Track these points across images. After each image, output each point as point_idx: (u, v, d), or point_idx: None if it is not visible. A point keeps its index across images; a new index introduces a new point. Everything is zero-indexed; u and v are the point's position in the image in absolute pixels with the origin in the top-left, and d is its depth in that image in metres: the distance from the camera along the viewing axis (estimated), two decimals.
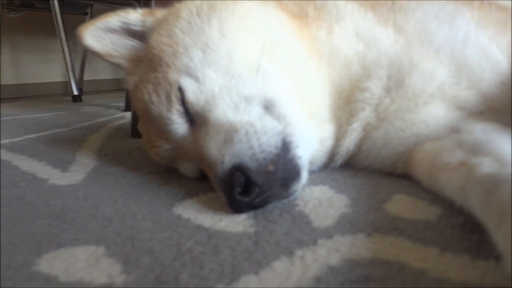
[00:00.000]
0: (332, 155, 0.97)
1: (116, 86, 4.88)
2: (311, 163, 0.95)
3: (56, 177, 1.04)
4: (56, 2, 3.39)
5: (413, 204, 0.75)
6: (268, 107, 0.83)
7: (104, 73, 5.03)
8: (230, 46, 0.87)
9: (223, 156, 0.75)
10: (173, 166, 0.96)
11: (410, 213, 0.70)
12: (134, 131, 1.56)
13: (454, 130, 0.85)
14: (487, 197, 0.55)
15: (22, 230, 0.71)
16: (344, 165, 0.99)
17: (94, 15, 4.26)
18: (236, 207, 0.73)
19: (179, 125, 0.86)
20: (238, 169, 0.72)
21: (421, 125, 0.89)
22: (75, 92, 3.42)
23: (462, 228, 0.63)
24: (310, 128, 0.88)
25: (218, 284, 0.51)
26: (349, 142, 0.94)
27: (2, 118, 2.27)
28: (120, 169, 1.10)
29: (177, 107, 0.85)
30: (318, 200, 0.79)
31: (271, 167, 0.74)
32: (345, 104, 0.94)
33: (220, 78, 0.84)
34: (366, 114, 0.92)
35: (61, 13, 3.43)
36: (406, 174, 0.89)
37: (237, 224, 0.70)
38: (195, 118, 0.85)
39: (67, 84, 3.70)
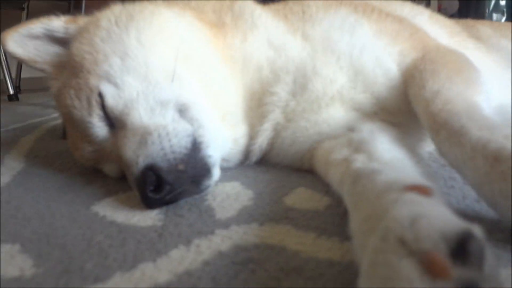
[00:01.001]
0: (247, 153, 1.06)
1: None
2: (226, 160, 1.03)
3: None
4: None
5: (309, 196, 0.84)
6: (182, 110, 0.90)
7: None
8: (147, 54, 0.93)
9: (137, 157, 0.82)
10: (98, 167, 1.01)
11: (304, 204, 0.80)
12: (66, 132, 1.58)
13: (350, 129, 0.95)
14: (351, 188, 0.65)
15: None
16: (259, 162, 1.08)
17: (30, 11, 4.16)
18: (148, 204, 0.80)
19: (99, 128, 0.92)
20: (150, 169, 0.79)
21: (323, 125, 0.99)
22: (11, 91, 3.34)
23: (342, 216, 0.72)
24: (223, 129, 0.96)
25: (118, 271, 0.58)
26: (261, 141, 1.03)
27: None
28: (47, 171, 1.14)
29: (97, 111, 0.91)
30: (227, 195, 0.87)
31: (181, 166, 0.81)
32: (257, 106, 1.03)
33: (138, 84, 0.90)
34: (275, 116, 1.01)
35: None
36: (311, 169, 0.99)
37: (148, 219, 0.77)
38: (115, 122, 0.91)
39: (2, 82, 3.60)
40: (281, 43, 1.03)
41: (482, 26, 1.74)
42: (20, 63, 4.28)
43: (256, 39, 1.05)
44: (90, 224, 0.76)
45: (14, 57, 1.08)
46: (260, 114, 1.03)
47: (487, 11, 3.16)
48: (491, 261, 0.38)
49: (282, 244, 0.64)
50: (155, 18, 0.99)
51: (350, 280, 0.51)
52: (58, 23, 1.07)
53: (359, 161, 0.72)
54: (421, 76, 0.87)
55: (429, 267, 0.36)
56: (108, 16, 0.99)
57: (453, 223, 0.42)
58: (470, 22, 1.84)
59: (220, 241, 0.66)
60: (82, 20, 1.07)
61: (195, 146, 0.85)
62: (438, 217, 0.43)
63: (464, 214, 0.69)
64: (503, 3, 3.16)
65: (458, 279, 0.35)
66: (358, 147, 0.81)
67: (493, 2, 3.16)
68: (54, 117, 2.18)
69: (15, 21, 1.07)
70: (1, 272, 0.60)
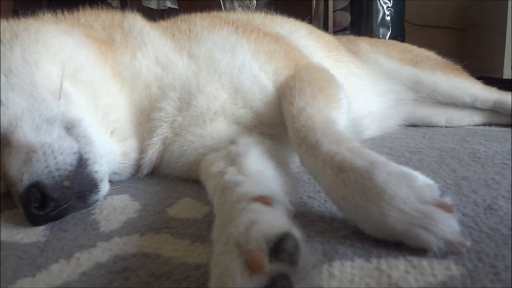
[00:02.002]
0: (138, 166, 1.11)
1: None
2: (118, 174, 1.08)
3: None
4: None
5: (191, 206, 0.92)
6: (69, 128, 0.93)
7: None
8: (32, 71, 0.95)
9: (22, 175, 0.84)
10: None
11: (185, 214, 0.87)
12: None
13: (232, 142, 1.04)
14: (218, 198, 0.73)
15: None
16: (151, 174, 1.14)
17: None
18: (33, 220, 0.83)
19: None
20: (35, 187, 0.82)
21: (207, 138, 1.07)
22: None
23: None
24: (112, 144, 1.01)
25: None
26: (151, 154, 1.09)
27: None
28: None
29: None
30: (114, 208, 0.92)
31: (66, 183, 0.85)
32: (146, 121, 1.09)
33: (24, 101, 0.92)
34: (163, 130, 1.08)
35: None
36: (198, 180, 1.07)
37: (32, 235, 0.80)
38: (0, 139, 0.92)
39: None
40: (168, 61, 1.10)
41: (361, 42, 1.94)
42: None
43: (145, 56, 1.11)
44: None
45: None
46: (149, 129, 1.08)
47: (374, 25, 3.46)
48: (306, 257, 0.48)
49: (157, 252, 0.71)
50: (40, 35, 1.01)
51: None
52: None
53: (229, 173, 0.81)
54: (291, 93, 0.99)
55: (250, 265, 0.45)
56: None
57: (277, 226, 0.51)
58: (352, 38, 2.04)
59: (101, 253, 0.71)
60: None
61: (81, 163, 0.89)
62: (268, 222, 0.52)
63: (323, 216, 0.81)
64: (388, 18, 3.49)
65: (270, 273, 0.44)
66: (233, 159, 0.90)
67: (380, 17, 3.46)
68: None
69: None
70: None
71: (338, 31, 3.55)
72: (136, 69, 1.09)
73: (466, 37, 4.07)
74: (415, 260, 0.61)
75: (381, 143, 1.47)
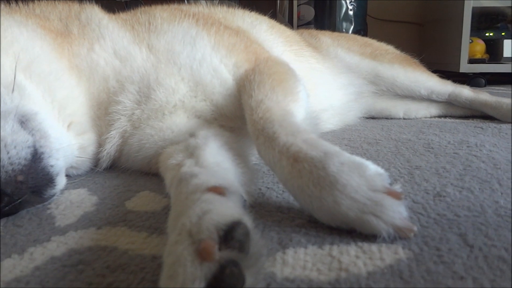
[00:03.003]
0: (97, 160, 1.09)
1: None
2: (76, 168, 1.06)
3: None
4: None
5: (150, 199, 0.92)
6: (24, 121, 0.91)
7: None
8: None
9: None
10: None
11: (144, 207, 0.87)
12: None
13: (191, 135, 1.04)
14: (174, 190, 0.74)
15: None
16: (110, 168, 1.12)
17: None
18: None
19: None
20: None
21: (167, 132, 1.06)
22: None
23: None
24: (69, 138, 0.99)
25: None
26: (110, 148, 1.08)
27: None
28: None
29: None
30: (70, 202, 0.91)
31: (20, 177, 0.83)
32: (104, 114, 1.07)
33: None
34: (122, 124, 1.07)
35: None
36: (158, 173, 1.06)
37: None
38: None
39: None
40: (126, 54, 1.08)
41: (323, 36, 1.97)
42: None
43: (102, 48, 1.09)
44: None
45: None
46: (107, 123, 1.07)
47: (338, 19, 3.51)
48: (257, 244, 0.49)
49: (114, 245, 0.70)
50: None
51: None
52: None
53: (187, 165, 0.82)
54: (250, 86, 1.00)
55: (201, 253, 0.46)
56: None
57: (229, 216, 0.52)
58: (314, 32, 2.07)
59: (55, 247, 0.70)
60: None
61: (36, 157, 0.87)
62: (219, 212, 0.53)
63: (280, 206, 0.83)
64: (351, 13, 3.54)
65: (220, 260, 0.45)
66: (192, 152, 0.90)
67: (343, 12, 3.51)
68: None
69: None
70: None
71: (302, 25, 3.59)
72: (93, 61, 1.07)
73: (426, 32, 4.20)
74: (365, 245, 0.63)
75: (341, 135, 1.51)
